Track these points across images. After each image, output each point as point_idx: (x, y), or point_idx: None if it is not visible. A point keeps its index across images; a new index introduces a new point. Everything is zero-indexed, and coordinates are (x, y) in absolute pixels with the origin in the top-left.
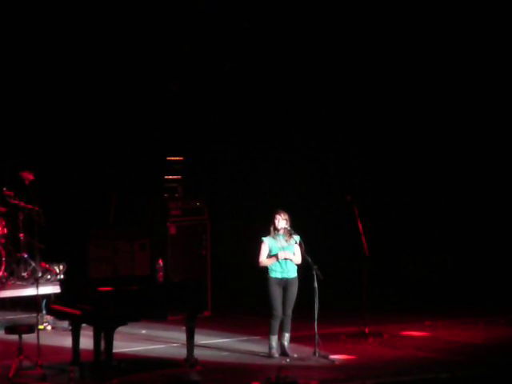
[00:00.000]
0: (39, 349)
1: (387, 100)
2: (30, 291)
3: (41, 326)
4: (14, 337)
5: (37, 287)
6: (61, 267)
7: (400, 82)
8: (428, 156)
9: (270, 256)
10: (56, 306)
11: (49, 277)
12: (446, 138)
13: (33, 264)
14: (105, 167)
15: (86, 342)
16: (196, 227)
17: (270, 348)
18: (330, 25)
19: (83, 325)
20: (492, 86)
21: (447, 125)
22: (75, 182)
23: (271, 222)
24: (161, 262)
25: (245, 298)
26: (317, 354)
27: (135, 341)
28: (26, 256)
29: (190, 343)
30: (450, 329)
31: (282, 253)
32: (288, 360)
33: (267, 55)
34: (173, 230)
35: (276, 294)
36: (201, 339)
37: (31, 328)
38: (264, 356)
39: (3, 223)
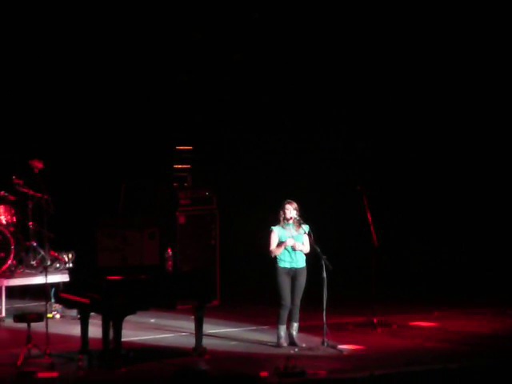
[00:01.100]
0: (48, 337)
1: (397, 90)
2: (38, 280)
3: (49, 315)
4: (23, 325)
5: (46, 276)
6: (70, 256)
7: (409, 75)
8: (438, 147)
9: (279, 245)
10: (65, 295)
11: (58, 265)
12: (456, 128)
13: (42, 253)
14: (114, 156)
15: (95, 330)
16: (205, 217)
17: (279, 338)
18: (341, 17)
19: (92, 313)
20: (496, 76)
21: (458, 113)
22: (85, 170)
23: (281, 211)
24: (170, 252)
25: (253, 288)
26: (325, 344)
27: (144, 330)
28: (35, 244)
29: (199, 332)
30: (459, 319)
31: (290, 239)
32: (296, 350)
33: (277, 46)
34: (182, 220)
35: (285, 283)
36: (209, 328)
37: (40, 316)
38: (272, 345)
39: (12, 212)
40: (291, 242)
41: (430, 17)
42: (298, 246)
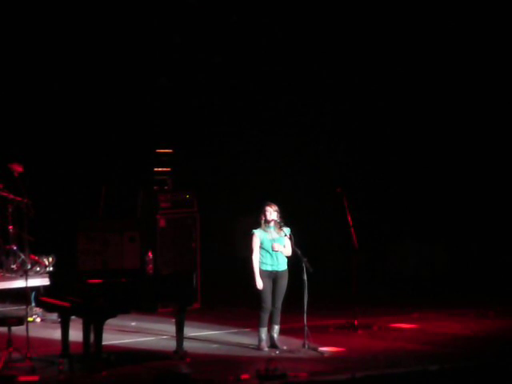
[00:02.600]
0: (28, 341)
1: (377, 93)
2: (19, 283)
3: (30, 319)
4: (3, 329)
5: (26, 279)
6: (50, 259)
7: (391, 75)
8: (420, 149)
9: (261, 247)
10: (45, 299)
11: (38, 269)
12: (439, 127)
13: (22, 256)
14: (94, 159)
15: (76, 334)
16: (186, 220)
17: (260, 340)
18: (322, 17)
19: (72, 317)
20: (489, 76)
21: (442, 113)
22: (64, 174)
23: (262, 214)
24: (150, 255)
25: (234, 291)
26: (306, 347)
27: (125, 333)
28: (15, 248)
29: (180, 335)
30: (440, 321)
31: (276, 244)
32: (277, 352)
33: (257, 48)
34: (162, 223)
35: (266, 286)
36: (190, 331)
37: (20, 320)
38: (253, 348)
39: None
40: (279, 247)
41: (418, 16)
42: (278, 247)
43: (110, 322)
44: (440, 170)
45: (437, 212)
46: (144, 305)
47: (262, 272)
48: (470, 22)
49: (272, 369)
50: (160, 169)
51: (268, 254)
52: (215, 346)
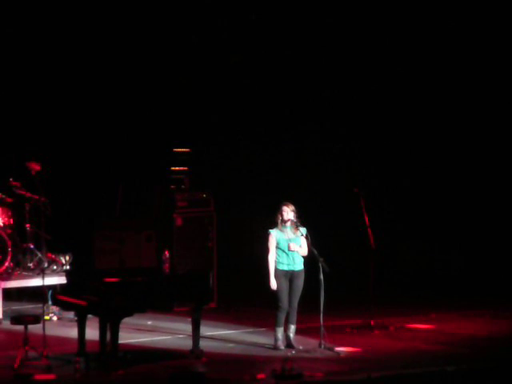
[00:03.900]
0: (45, 339)
1: (393, 92)
2: (35, 282)
3: (47, 317)
4: (20, 327)
5: (43, 278)
6: (67, 258)
7: (406, 76)
8: (435, 150)
9: (277, 247)
10: (62, 297)
11: (55, 267)
12: (453, 130)
13: (39, 255)
14: (112, 158)
15: (92, 332)
16: (202, 219)
17: (276, 340)
18: (337, 17)
19: (89, 316)
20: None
21: (453, 117)
22: (82, 172)
23: (278, 213)
24: (167, 254)
25: (251, 290)
26: (322, 346)
27: (141, 332)
28: (32, 247)
29: (196, 334)
30: (456, 321)
31: (292, 244)
32: (293, 352)
33: (275, 47)
34: (179, 222)
35: (283, 286)
36: (206, 331)
37: (37, 319)
38: (269, 348)
39: (9, 214)
40: (295, 247)
41: (424, 18)
42: (294, 247)
43: (127, 320)
44: (454, 169)
45: (453, 212)
46: (160, 304)
47: (278, 271)
48: (469, 22)
49: (288, 368)
50: (177, 168)
51: (284, 254)
52: (231, 345)
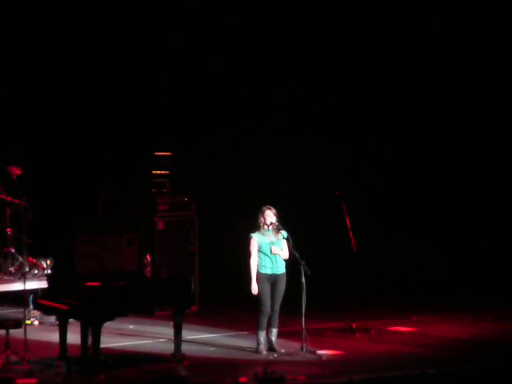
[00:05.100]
0: (26, 344)
1: (374, 95)
2: (17, 286)
3: (28, 321)
4: (1, 332)
5: (24, 282)
6: (48, 262)
7: (386, 78)
8: (418, 153)
9: (259, 251)
10: (43, 301)
11: (36, 272)
12: (436, 135)
13: (20, 259)
14: (93, 162)
15: (74, 337)
16: (184, 222)
17: (258, 343)
18: (320, 21)
19: (70, 320)
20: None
21: (433, 121)
22: (63, 176)
23: (261, 217)
24: (148, 258)
25: (232, 294)
26: (304, 350)
27: (122, 336)
28: (13, 251)
29: (178, 338)
30: (437, 324)
31: (274, 247)
32: (275, 355)
33: (256, 50)
34: (161, 226)
35: (265, 289)
36: (188, 334)
37: (18, 323)
38: (251, 351)
39: None
40: (277, 250)
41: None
42: (276, 250)
43: (108, 324)
44: (437, 172)
45: (435, 215)
46: (142, 308)
47: (261, 275)
48: (469, 22)
49: (270, 372)
50: (158, 171)
51: (267, 258)
52: (213, 348)
